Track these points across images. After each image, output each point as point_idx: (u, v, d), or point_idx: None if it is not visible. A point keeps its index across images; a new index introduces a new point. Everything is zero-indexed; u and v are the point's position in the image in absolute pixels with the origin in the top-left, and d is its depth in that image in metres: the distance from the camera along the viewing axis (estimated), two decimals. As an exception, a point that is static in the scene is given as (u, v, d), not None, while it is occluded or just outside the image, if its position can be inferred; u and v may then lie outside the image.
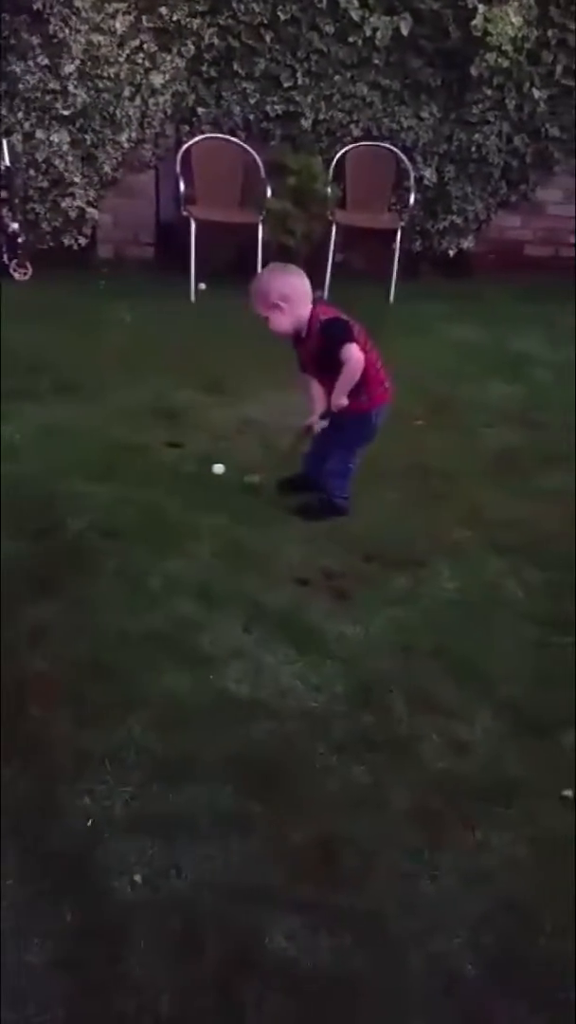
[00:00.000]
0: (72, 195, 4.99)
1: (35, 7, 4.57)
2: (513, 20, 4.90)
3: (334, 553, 2.68)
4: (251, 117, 5.18)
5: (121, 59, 4.86)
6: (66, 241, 5.11)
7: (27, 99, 4.79)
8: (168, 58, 4.95)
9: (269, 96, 5.13)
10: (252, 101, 5.13)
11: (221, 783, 1.84)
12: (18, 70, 4.70)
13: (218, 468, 3.02)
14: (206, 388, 3.73)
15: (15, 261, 4.94)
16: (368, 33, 4.99)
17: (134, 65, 4.91)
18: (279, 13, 4.93)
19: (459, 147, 5.35)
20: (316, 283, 5.16)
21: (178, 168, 5.02)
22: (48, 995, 1.45)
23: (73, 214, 5.03)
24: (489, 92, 5.18)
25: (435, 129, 5.32)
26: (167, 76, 4.97)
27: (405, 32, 4.98)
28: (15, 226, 4.90)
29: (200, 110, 5.14)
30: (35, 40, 4.67)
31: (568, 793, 1.89)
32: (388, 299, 5.10)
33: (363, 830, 1.78)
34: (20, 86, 4.73)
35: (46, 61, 4.72)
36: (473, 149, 5.34)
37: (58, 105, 4.83)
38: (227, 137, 5.15)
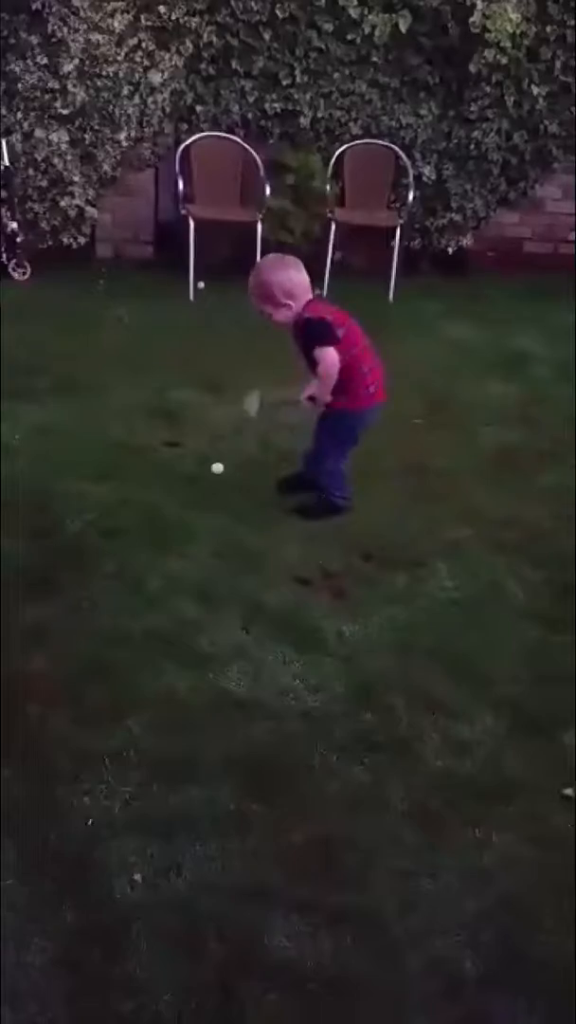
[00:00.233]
0: (71, 194, 4.98)
1: (34, 6, 4.56)
2: (512, 16, 4.88)
3: (333, 552, 2.68)
4: (250, 115, 5.16)
5: (120, 58, 4.85)
6: (65, 240, 5.10)
7: (26, 98, 4.78)
8: (167, 56, 4.93)
9: (268, 94, 5.12)
10: (251, 99, 5.12)
11: (221, 783, 1.85)
12: (17, 69, 4.69)
13: (217, 468, 3.02)
14: (205, 387, 3.73)
15: (14, 260, 4.94)
16: (367, 31, 4.98)
17: (133, 64, 4.89)
18: (277, 11, 4.91)
19: (458, 144, 5.34)
20: (315, 281, 5.13)
21: (177, 167, 5.01)
22: (48, 995, 1.46)
23: (72, 213, 5.02)
24: (488, 89, 5.16)
25: (434, 126, 5.30)
26: (166, 74, 4.96)
27: (404, 29, 4.97)
28: (14, 225, 4.89)
29: (199, 108, 5.13)
30: (34, 39, 4.66)
31: (568, 792, 1.89)
32: (387, 297, 5.09)
33: (363, 830, 1.78)
34: (19, 85, 4.72)
35: (45, 60, 4.71)
36: (472, 146, 5.33)
37: (57, 104, 4.82)
38: (226, 135, 5.14)
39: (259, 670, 2.19)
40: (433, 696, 2.14)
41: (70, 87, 4.79)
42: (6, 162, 4.80)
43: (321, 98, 5.16)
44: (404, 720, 2.06)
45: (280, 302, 2.61)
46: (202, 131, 5.12)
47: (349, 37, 5.02)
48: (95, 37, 4.76)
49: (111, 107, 4.92)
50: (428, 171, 5.36)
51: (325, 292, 4.95)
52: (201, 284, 4.87)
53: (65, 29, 4.67)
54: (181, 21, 4.86)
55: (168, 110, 5.08)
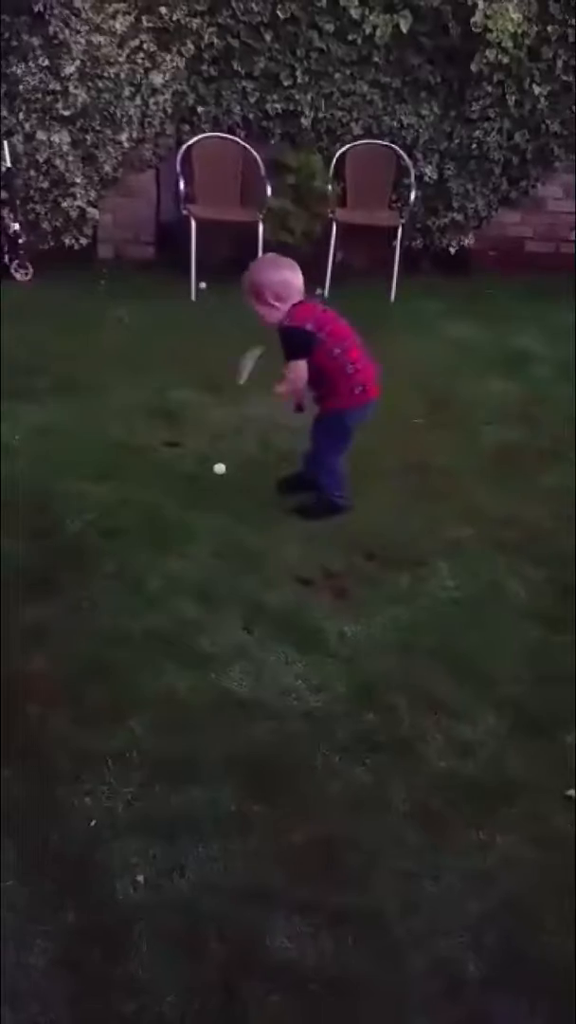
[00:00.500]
0: (73, 195, 4.99)
1: (36, 8, 4.56)
2: (513, 16, 4.88)
3: (334, 552, 2.67)
4: (251, 116, 5.16)
5: (121, 59, 4.85)
6: (67, 241, 5.10)
7: (28, 100, 4.78)
8: (168, 58, 4.94)
9: (269, 95, 5.12)
10: (252, 100, 5.12)
11: (222, 783, 1.84)
12: (19, 71, 4.70)
13: (219, 468, 3.02)
14: (206, 387, 3.72)
15: (16, 261, 4.94)
16: (368, 31, 4.98)
17: (134, 65, 4.90)
18: (278, 12, 4.91)
19: (459, 144, 5.34)
20: (317, 281, 5.14)
21: (178, 167, 5.01)
22: (50, 995, 1.45)
23: (74, 214, 5.03)
24: (489, 89, 5.16)
25: (435, 126, 5.30)
26: (167, 75, 4.96)
27: (405, 29, 4.97)
28: (16, 226, 4.90)
29: (200, 109, 5.13)
30: (36, 41, 4.67)
31: (571, 793, 1.88)
32: (388, 296, 5.08)
33: (365, 830, 1.77)
34: (21, 87, 4.73)
35: (46, 62, 4.71)
36: (473, 146, 5.32)
37: (59, 106, 4.83)
38: (227, 136, 5.14)
39: (260, 670, 2.18)
40: (435, 696, 2.13)
41: (72, 88, 4.80)
42: (8, 163, 4.81)
43: (322, 98, 5.16)
44: (406, 720, 2.06)
45: (269, 303, 2.63)
46: (203, 132, 5.12)
47: (350, 37, 5.01)
48: (96, 39, 4.76)
49: (113, 108, 4.93)
50: (429, 171, 5.36)
51: (326, 292, 4.96)
52: (203, 284, 4.87)
53: (67, 31, 4.67)
54: (182, 22, 4.86)
55: (169, 111, 5.08)
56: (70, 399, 3.58)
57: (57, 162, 4.89)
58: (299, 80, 5.09)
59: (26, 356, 3.81)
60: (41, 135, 4.84)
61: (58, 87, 4.78)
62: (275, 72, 5.08)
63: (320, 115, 5.19)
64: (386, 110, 5.24)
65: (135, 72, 4.91)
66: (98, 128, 4.96)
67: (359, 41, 5.02)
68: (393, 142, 5.25)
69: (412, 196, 5.16)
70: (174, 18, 4.83)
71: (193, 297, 4.87)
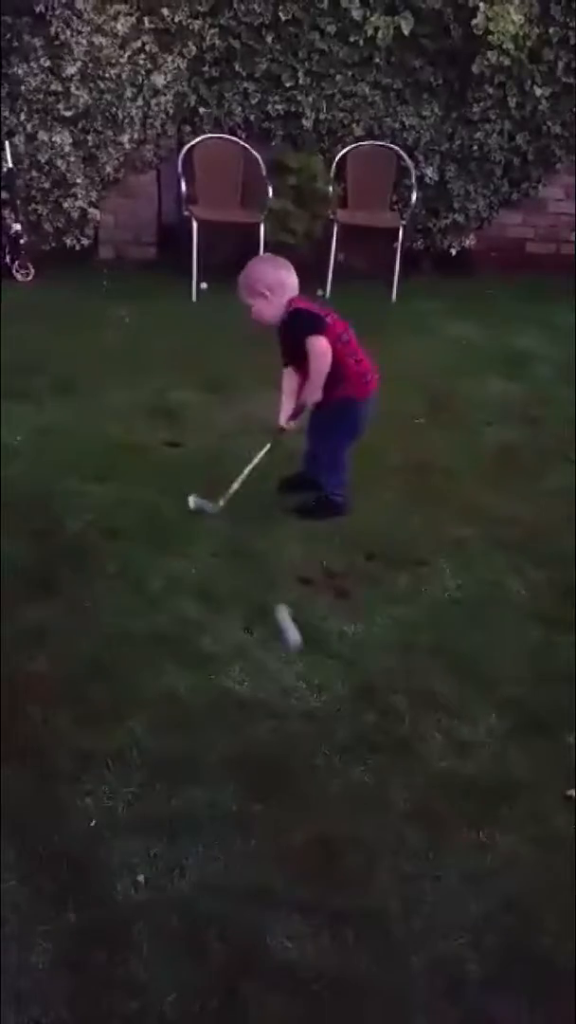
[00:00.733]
0: (74, 196, 4.99)
1: (37, 9, 4.57)
2: (514, 18, 4.88)
3: (335, 552, 2.67)
4: (252, 117, 5.17)
5: (123, 60, 4.86)
6: (68, 242, 5.11)
7: (29, 101, 4.79)
8: (169, 59, 4.94)
9: (270, 96, 5.12)
10: (253, 101, 5.13)
11: (223, 783, 1.84)
12: (20, 72, 4.71)
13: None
14: (207, 387, 3.73)
15: (17, 262, 4.95)
16: (369, 32, 4.98)
17: (136, 66, 4.90)
18: (280, 13, 4.92)
19: (461, 145, 5.34)
20: (318, 282, 5.14)
21: (180, 168, 5.01)
22: (51, 995, 1.45)
23: (75, 215, 5.04)
24: (491, 90, 5.17)
25: (436, 128, 5.30)
26: (169, 77, 4.97)
27: (406, 31, 4.97)
28: (17, 227, 4.91)
29: (201, 110, 5.14)
30: (37, 42, 4.67)
31: (571, 793, 1.88)
32: (390, 298, 5.09)
33: (365, 830, 1.77)
34: (22, 88, 4.74)
35: (48, 63, 4.72)
36: (475, 147, 5.33)
37: (60, 106, 4.83)
38: (228, 137, 5.14)
39: (261, 670, 2.18)
40: (436, 696, 2.13)
41: (73, 89, 4.81)
42: (9, 164, 4.82)
43: (324, 100, 5.17)
44: (406, 720, 2.05)
45: (262, 294, 2.61)
46: (205, 133, 5.13)
47: (352, 39, 5.02)
48: (98, 40, 4.77)
49: (114, 109, 4.93)
50: (431, 172, 5.36)
51: (328, 293, 4.97)
52: (204, 285, 4.88)
53: (68, 32, 4.68)
54: (184, 23, 4.87)
55: (171, 112, 5.09)
56: (71, 399, 3.59)
57: (59, 163, 4.90)
58: (300, 81, 5.10)
59: (27, 356, 3.82)
60: (43, 136, 4.85)
61: (60, 88, 4.79)
62: (276, 73, 5.08)
63: (321, 116, 5.20)
64: (387, 111, 5.25)
65: (137, 73, 4.91)
66: (100, 129, 4.97)
67: (361, 42, 5.03)
68: (394, 143, 5.26)
69: (413, 197, 5.16)
70: (176, 19, 4.84)
71: (194, 298, 4.88)
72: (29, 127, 4.84)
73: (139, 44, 4.87)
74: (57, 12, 4.62)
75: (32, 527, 2.67)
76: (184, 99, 5.10)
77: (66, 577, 2.46)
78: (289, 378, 2.77)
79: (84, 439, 3.26)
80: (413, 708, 2.09)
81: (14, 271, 4.94)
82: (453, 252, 5.57)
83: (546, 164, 5.54)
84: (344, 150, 5.19)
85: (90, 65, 4.81)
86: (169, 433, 3.37)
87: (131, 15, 4.82)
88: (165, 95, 5.01)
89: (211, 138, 5.11)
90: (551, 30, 5.10)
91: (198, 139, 5.09)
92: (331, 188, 5.12)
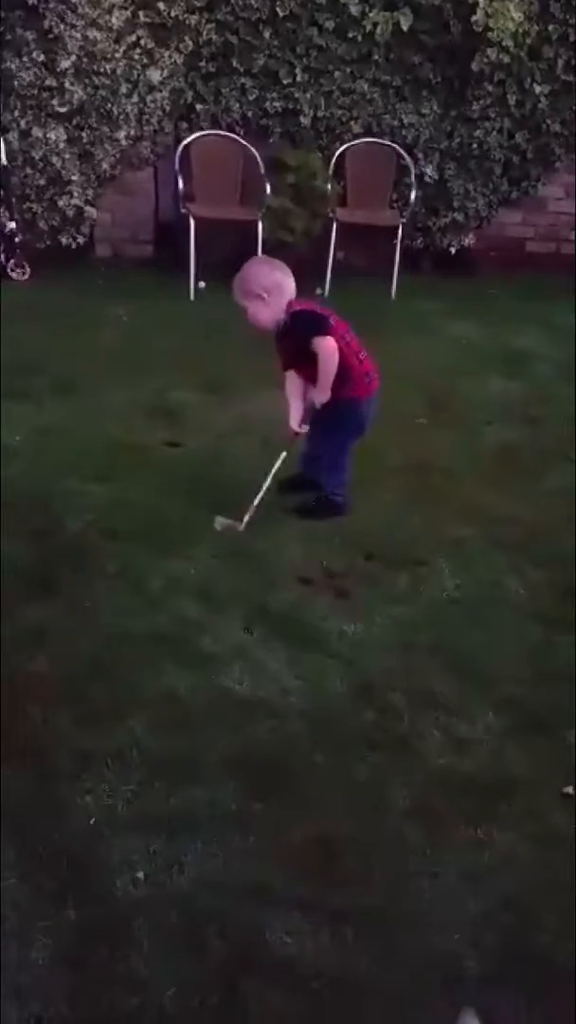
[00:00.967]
0: (70, 193, 4.97)
1: (30, 2, 4.53)
2: (514, 15, 4.87)
3: (335, 552, 2.67)
4: (250, 114, 5.16)
5: (118, 55, 4.83)
6: (64, 240, 5.09)
7: (23, 96, 4.75)
8: (166, 54, 4.92)
9: (268, 92, 5.11)
10: (251, 97, 5.11)
11: (222, 782, 1.85)
12: (13, 66, 4.67)
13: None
14: (206, 387, 3.72)
15: (13, 261, 4.92)
16: (368, 29, 4.97)
17: (131, 61, 4.87)
18: (278, 9, 4.90)
19: (460, 143, 5.33)
20: (317, 280, 5.13)
21: (177, 165, 5.00)
22: (51, 991, 1.46)
23: (71, 212, 5.01)
24: (490, 88, 5.16)
25: (436, 125, 5.29)
26: (165, 72, 4.94)
27: (405, 28, 4.96)
28: (12, 225, 4.88)
29: (199, 107, 5.12)
30: (30, 36, 4.63)
31: (569, 790, 1.89)
32: (389, 296, 5.08)
33: (364, 828, 1.78)
34: (16, 83, 4.70)
35: (42, 57, 4.68)
36: (474, 145, 5.32)
37: (54, 102, 4.80)
38: (226, 134, 5.13)
39: (261, 670, 2.18)
40: (435, 695, 2.14)
41: (68, 85, 4.77)
42: (3, 161, 4.79)
43: (322, 97, 5.15)
44: (405, 719, 2.06)
45: (256, 293, 2.59)
46: (202, 129, 5.11)
47: (350, 35, 5.01)
48: (93, 34, 4.73)
49: (110, 105, 4.90)
50: (430, 170, 5.36)
51: (327, 291, 4.96)
52: (202, 284, 4.87)
53: (62, 25, 4.64)
54: (180, 18, 4.84)
55: (168, 108, 5.07)
56: (69, 399, 3.58)
57: (54, 159, 4.87)
58: (299, 78, 5.08)
59: (26, 356, 3.81)
60: (37, 132, 4.82)
61: (54, 83, 4.75)
62: (274, 70, 5.07)
63: (320, 113, 5.19)
64: (386, 109, 5.24)
65: (132, 69, 4.88)
66: (95, 125, 4.94)
67: (359, 39, 5.02)
68: (393, 141, 5.25)
69: (412, 195, 5.16)
70: (172, 14, 4.81)
71: (192, 296, 4.87)
72: (23, 123, 4.81)
73: (134, 39, 4.84)
74: (51, 5, 4.57)
75: (32, 527, 2.67)
76: (181, 95, 5.08)
77: (66, 577, 2.46)
78: (293, 381, 2.76)
79: (84, 439, 3.26)
80: (412, 707, 2.10)
81: (10, 270, 4.91)
82: (453, 251, 5.56)
83: (546, 162, 5.54)
84: (343, 147, 5.18)
85: (85, 60, 4.77)
86: (169, 433, 3.37)
87: (126, 9, 4.78)
88: (161, 91, 4.99)
89: (208, 135, 5.10)
90: (551, 27, 5.09)
91: (195, 136, 5.08)
92: (330, 186, 5.11)
